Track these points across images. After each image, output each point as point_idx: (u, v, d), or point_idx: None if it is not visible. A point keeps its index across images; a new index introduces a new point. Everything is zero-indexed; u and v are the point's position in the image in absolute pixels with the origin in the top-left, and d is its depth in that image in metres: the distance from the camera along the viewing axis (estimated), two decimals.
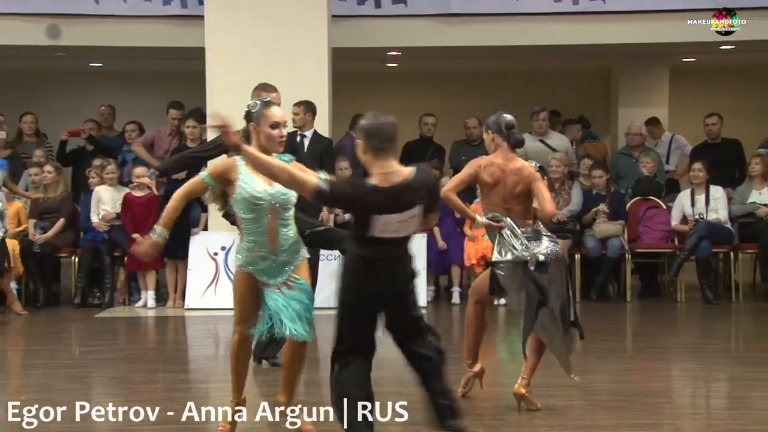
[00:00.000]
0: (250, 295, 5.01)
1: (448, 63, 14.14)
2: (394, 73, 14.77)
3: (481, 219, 5.79)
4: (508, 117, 5.86)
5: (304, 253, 5.07)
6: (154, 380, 6.80)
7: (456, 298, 10.10)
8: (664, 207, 10.77)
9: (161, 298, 10.16)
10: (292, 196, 4.95)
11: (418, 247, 10.04)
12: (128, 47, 11.78)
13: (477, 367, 6.08)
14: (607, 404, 5.97)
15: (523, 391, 5.70)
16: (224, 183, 4.92)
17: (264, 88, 6.52)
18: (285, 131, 4.97)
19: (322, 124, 9.74)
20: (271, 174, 4.56)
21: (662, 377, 7.05)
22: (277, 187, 4.87)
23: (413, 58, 13.57)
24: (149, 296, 10.05)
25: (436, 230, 10.21)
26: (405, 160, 11.53)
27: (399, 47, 12.19)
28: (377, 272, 4.47)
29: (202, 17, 10.25)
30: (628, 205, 10.69)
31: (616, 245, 10.22)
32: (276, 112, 4.96)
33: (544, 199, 5.69)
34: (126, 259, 10.12)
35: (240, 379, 5.18)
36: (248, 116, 4.99)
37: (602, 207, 10.33)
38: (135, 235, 9.87)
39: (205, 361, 7.84)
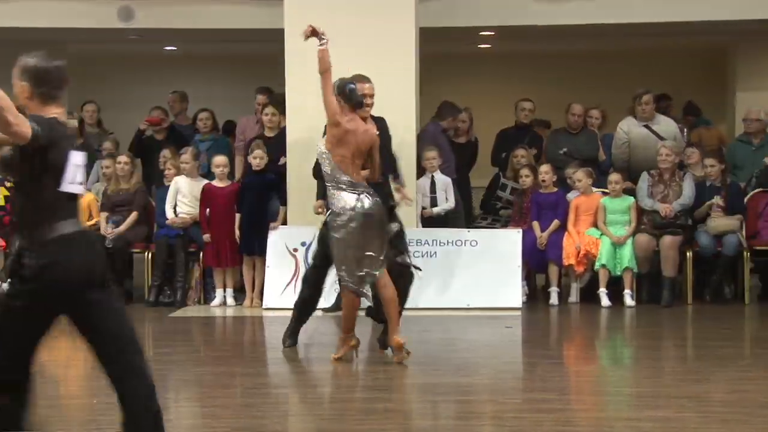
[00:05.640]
0: None
1: (546, 43, 14.00)
2: (487, 55, 14.69)
3: None
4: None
5: None
6: (230, 384, 6.87)
7: (554, 299, 9.99)
8: None
9: (238, 297, 10.24)
10: None
11: (514, 242, 9.97)
12: (203, 29, 11.93)
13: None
14: (723, 416, 5.86)
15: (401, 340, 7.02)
16: None
17: (359, 79, 7.43)
18: None
19: (408, 111, 9.71)
20: None
21: None
22: None
23: (508, 39, 13.47)
24: (228, 294, 10.16)
25: (536, 225, 10.12)
26: (499, 150, 11.50)
27: (493, 26, 12.09)
28: None
29: None
30: (746, 198, 10.46)
31: (732, 242, 10.01)
32: None
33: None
34: (202, 255, 10.25)
35: None
36: None
37: (717, 200, 10.11)
38: (206, 236, 10.01)
39: (283, 364, 7.90)
